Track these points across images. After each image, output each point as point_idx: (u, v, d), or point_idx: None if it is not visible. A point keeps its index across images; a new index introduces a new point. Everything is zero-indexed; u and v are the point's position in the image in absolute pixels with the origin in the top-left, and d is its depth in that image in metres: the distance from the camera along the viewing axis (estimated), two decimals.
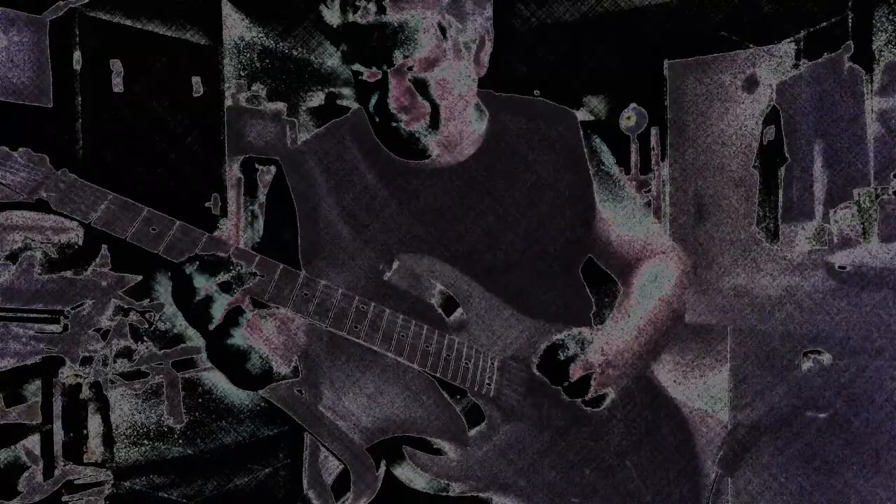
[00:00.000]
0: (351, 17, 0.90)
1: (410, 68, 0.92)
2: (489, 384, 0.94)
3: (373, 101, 0.96)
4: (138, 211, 0.81)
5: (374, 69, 0.93)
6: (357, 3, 0.88)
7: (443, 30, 0.92)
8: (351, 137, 1.06)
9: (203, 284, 0.77)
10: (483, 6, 0.98)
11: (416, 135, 0.96)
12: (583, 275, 1.14)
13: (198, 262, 0.78)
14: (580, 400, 0.94)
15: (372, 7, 0.88)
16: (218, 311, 0.79)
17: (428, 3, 0.90)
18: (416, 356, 0.90)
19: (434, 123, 0.96)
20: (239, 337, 0.82)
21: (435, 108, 0.95)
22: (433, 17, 0.91)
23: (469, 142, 1.06)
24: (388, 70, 0.92)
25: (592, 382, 0.93)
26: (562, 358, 0.92)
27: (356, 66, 0.94)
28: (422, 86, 0.94)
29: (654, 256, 1.13)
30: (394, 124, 0.96)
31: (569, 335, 0.95)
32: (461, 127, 1.02)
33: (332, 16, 0.93)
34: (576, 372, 0.92)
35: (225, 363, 0.86)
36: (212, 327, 0.80)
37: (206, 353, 0.89)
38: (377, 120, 0.97)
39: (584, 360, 0.92)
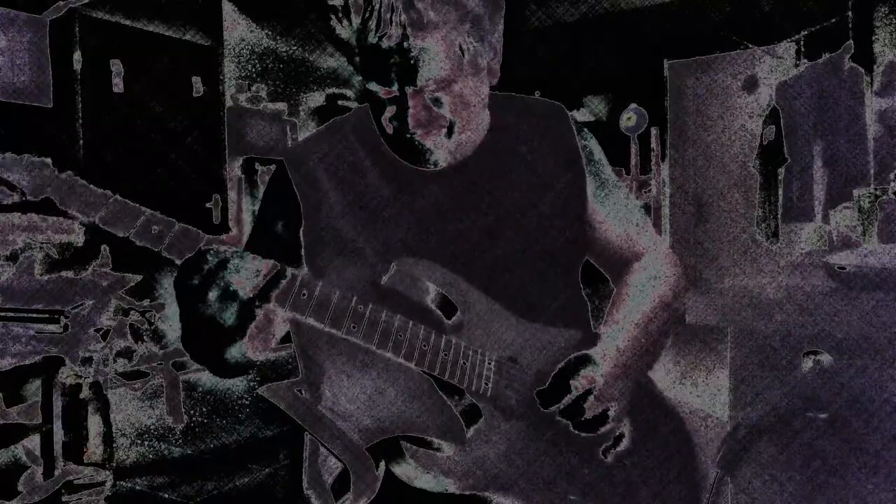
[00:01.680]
0: (373, 41, 0.89)
1: (429, 87, 0.92)
2: (487, 384, 0.94)
3: (387, 114, 0.96)
4: (139, 213, 0.83)
5: (393, 88, 0.93)
6: (381, 27, 0.88)
7: (462, 51, 0.92)
8: (353, 136, 1.07)
9: (234, 278, 0.79)
10: (498, 22, 0.98)
11: (431, 147, 0.97)
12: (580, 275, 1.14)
13: (220, 258, 0.79)
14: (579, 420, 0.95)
15: (396, 32, 0.88)
16: (235, 307, 0.81)
17: (449, 27, 0.90)
18: (413, 356, 0.90)
19: (449, 135, 0.97)
20: (252, 328, 0.84)
21: (451, 122, 0.96)
22: (454, 40, 0.91)
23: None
24: (408, 90, 0.92)
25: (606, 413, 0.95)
26: (574, 397, 0.92)
27: (373, 86, 0.94)
28: (439, 103, 0.94)
29: (648, 256, 1.12)
30: (408, 136, 0.96)
31: (575, 369, 0.94)
32: (473, 136, 1.03)
33: (344, 30, 0.93)
34: (594, 407, 0.93)
35: (218, 355, 0.89)
36: (231, 322, 0.81)
37: (182, 342, 0.92)
38: (391, 132, 0.98)
39: (599, 394, 0.93)
